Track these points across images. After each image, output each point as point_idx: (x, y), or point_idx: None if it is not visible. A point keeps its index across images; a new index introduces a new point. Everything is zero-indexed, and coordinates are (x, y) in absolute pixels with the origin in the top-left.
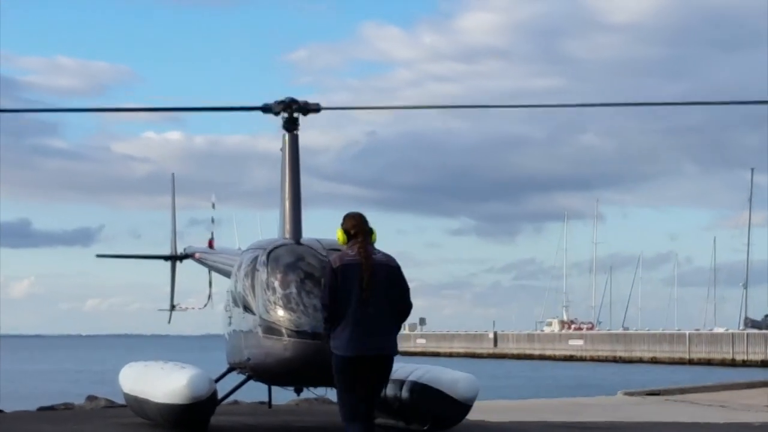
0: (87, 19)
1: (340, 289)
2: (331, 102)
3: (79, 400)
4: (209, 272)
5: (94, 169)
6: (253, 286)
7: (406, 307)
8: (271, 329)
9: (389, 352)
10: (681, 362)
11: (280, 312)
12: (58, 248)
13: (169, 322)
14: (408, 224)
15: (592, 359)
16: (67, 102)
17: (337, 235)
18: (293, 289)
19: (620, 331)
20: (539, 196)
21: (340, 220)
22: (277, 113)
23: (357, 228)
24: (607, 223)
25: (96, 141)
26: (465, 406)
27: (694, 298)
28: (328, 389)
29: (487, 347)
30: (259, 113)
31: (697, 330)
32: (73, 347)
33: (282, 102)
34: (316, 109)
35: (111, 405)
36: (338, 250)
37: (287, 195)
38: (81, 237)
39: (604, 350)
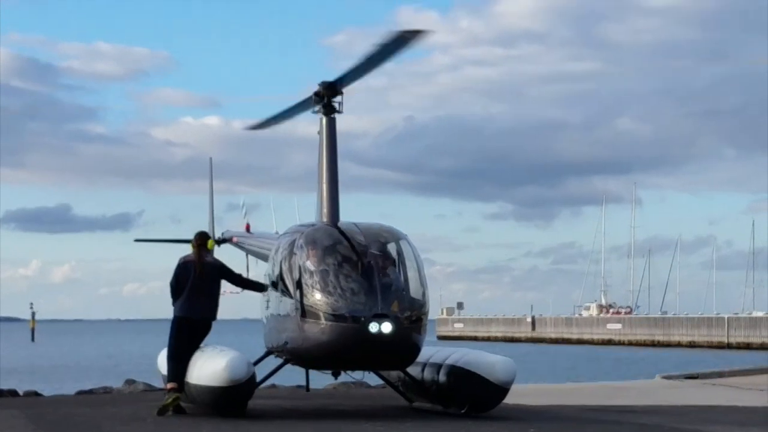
0: (126, 4)
1: (182, 277)
2: (368, 85)
3: (117, 384)
4: (247, 256)
5: (134, 154)
6: (290, 270)
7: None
8: (308, 313)
9: (208, 316)
10: (719, 346)
11: (318, 295)
12: (97, 233)
13: None
14: (446, 209)
15: (630, 343)
16: (106, 87)
17: (191, 246)
18: (330, 273)
19: (658, 315)
20: (577, 180)
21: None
22: (322, 96)
23: (198, 242)
24: (645, 207)
25: (135, 126)
26: (502, 389)
27: (733, 282)
28: (366, 373)
29: (525, 331)
30: (299, 94)
31: (736, 314)
32: (111, 332)
33: (327, 84)
34: (339, 84)
35: (149, 389)
36: (377, 232)
37: (324, 179)
38: (120, 222)
39: (643, 334)
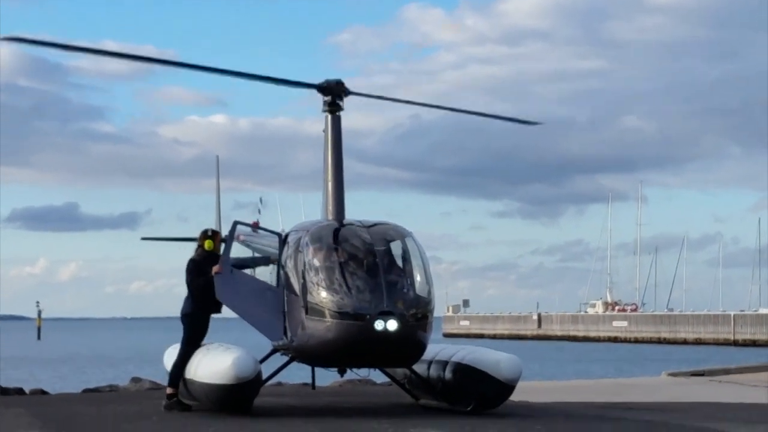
0: (132, 3)
1: None
2: (373, 83)
3: (123, 382)
4: (253, 254)
5: (141, 153)
6: (295, 268)
7: None
8: (314, 310)
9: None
10: (726, 343)
11: (323, 293)
12: (104, 232)
13: None
14: (452, 206)
15: (637, 341)
16: (113, 86)
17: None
18: (336, 271)
19: (665, 312)
20: (582, 178)
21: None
22: (328, 93)
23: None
24: (651, 205)
25: (143, 125)
26: (508, 386)
27: (740, 279)
28: (372, 370)
29: (531, 329)
30: (305, 92)
31: (742, 311)
32: (118, 330)
33: (334, 82)
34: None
35: (155, 387)
36: (382, 230)
37: (330, 177)
38: (127, 221)
39: (649, 331)
